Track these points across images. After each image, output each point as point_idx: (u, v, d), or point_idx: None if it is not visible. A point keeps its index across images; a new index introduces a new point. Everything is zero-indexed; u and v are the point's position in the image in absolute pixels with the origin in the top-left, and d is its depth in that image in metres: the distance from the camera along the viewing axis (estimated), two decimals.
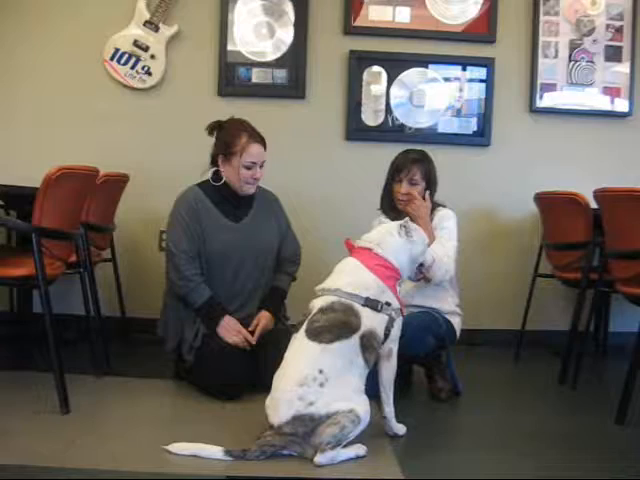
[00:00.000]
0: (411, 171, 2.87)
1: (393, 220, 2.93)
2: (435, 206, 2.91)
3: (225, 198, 2.88)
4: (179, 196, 2.89)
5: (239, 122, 2.88)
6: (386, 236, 2.31)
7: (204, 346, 2.76)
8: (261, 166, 2.84)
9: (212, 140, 2.90)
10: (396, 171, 2.91)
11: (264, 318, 2.84)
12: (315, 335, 2.12)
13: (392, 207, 2.95)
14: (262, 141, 2.84)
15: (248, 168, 2.80)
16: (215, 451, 2.05)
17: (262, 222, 2.94)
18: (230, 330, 2.76)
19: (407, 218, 2.41)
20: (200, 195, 2.86)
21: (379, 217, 3.01)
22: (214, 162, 2.88)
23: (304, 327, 2.16)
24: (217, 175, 2.87)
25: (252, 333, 2.79)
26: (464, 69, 4.03)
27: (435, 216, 2.88)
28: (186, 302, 2.80)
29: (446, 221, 2.85)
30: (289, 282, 3.03)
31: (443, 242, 2.75)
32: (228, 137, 2.82)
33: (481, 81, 4.02)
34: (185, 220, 2.81)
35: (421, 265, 2.46)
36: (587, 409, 2.82)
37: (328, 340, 2.11)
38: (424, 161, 2.91)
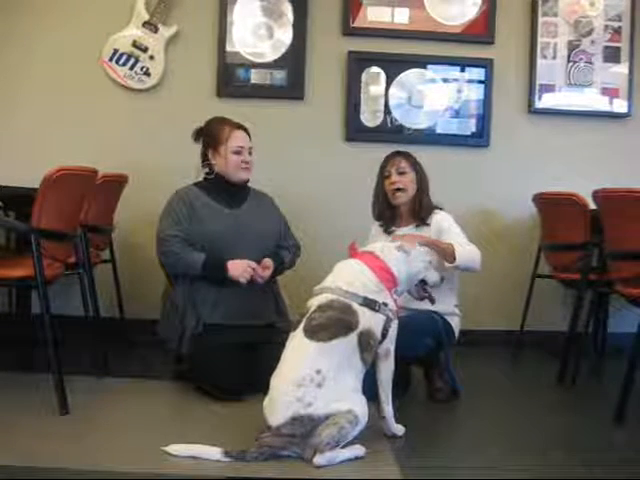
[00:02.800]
0: (396, 161, 2.94)
1: (389, 221, 2.98)
2: (431, 209, 2.91)
3: (220, 191, 2.94)
4: (172, 194, 2.95)
5: (219, 117, 3.02)
6: (389, 248, 2.36)
7: (203, 347, 2.76)
8: (250, 153, 2.95)
9: None
10: (383, 167, 2.97)
11: (269, 262, 2.88)
12: (313, 333, 2.13)
13: (387, 206, 2.98)
14: (245, 129, 2.98)
15: (237, 153, 2.90)
16: (214, 452, 2.05)
17: (257, 213, 2.99)
18: (239, 268, 2.77)
19: (399, 242, 2.41)
20: (195, 190, 2.94)
21: (374, 225, 3.06)
22: (202, 161, 2.98)
23: (302, 325, 2.17)
24: (210, 169, 2.95)
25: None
26: (463, 70, 4.03)
27: (432, 221, 2.87)
28: (188, 272, 2.81)
29: (445, 222, 2.85)
30: (289, 258, 3.05)
31: (453, 238, 2.76)
32: (213, 131, 2.94)
33: (480, 82, 4.02)
34: (173, 208, 2.88)
35: (424, 282, 2.46)
36: (586, 410, 2.82)
37: (326, 338, 2.12)
38: (407, 154, 2.97)
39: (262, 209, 3.02)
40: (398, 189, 2.91)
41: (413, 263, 2.37)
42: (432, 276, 2.47)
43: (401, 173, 2.91)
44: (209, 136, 2.95)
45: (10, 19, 3.86)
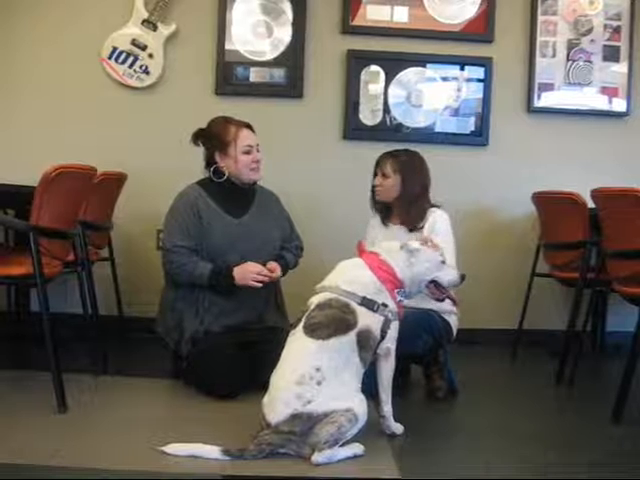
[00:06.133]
0: (383, 163, 2.93)
1: (384, 215, 3.00)
2: (429, 207, 2.92)
3: (226, 194, 2.89)
4: (178, 194, 2.90)
5: (221, 117, 2.94)
6: (393, 248, 2.33)
7: (200, 345, 2.76)
8: (257, 150, 2.89)
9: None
10: (375, 166, 2.98)
11: (276, 265, 2.86)
12: (312, 331, 2.14)
13: (374, 201, 3.01)
14: (250, 126, 2.92)
15: (247, 153, 2.84)
16: (213, 451, 2.04)
17: (263, 218, 2.95)
18: (246, 274, 2.75)
19: (408, 242, 2.35)
20: (200, 192, 2.88)
21: (371, 220, 3.06)
22: (208, 164, 2.91)
23: (302, 324, 2.18)
24: (217, 172, 2.88)
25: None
26: (462, 69, 4.03)
27: (428, 218, 2.87)
28: (194, 283, 2.78)
29: (439, 224, 2.85)
30: (292, 259, 3.03)
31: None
32: (217, 131, 2.86)
33: (479, 81, 4.02)
34: (182, 216, 2.82)
35: (436, 282, 2.37)
36: (584, 408, 2.82)
37: (325, 336, 2.12)
38: (399, 156, 2.94)
39: (268, 212, 2.99)
40: (378, 190, 2.94)
41: (418, 264, 2.31)
42: (446, 276, 2.36)
43: (384, 176, 2.92)
44: (214, 138, 2.86)
45: (10, 18, 3.86)
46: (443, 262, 2.36)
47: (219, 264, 2.77)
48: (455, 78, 4.04)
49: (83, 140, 3.84)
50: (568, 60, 4.03)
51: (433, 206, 2.93)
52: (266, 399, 2.12)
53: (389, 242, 2.44)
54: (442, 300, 2.44)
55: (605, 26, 4.03)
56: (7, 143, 3.87)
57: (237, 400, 2.63)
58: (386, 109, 4.00)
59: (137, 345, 3.57)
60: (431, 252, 2.35)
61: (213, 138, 2.87)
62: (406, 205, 2.89)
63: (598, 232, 3.01)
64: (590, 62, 4.03)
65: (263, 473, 1.98)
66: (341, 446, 2.08)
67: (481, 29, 3.99)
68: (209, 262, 2.77)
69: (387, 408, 2.31)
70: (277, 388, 2.10)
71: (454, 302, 2.52)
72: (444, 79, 4.04)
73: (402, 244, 2.33)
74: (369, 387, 2.25)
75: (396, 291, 2.28)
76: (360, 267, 2.28)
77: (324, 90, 3.98)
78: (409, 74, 4.01)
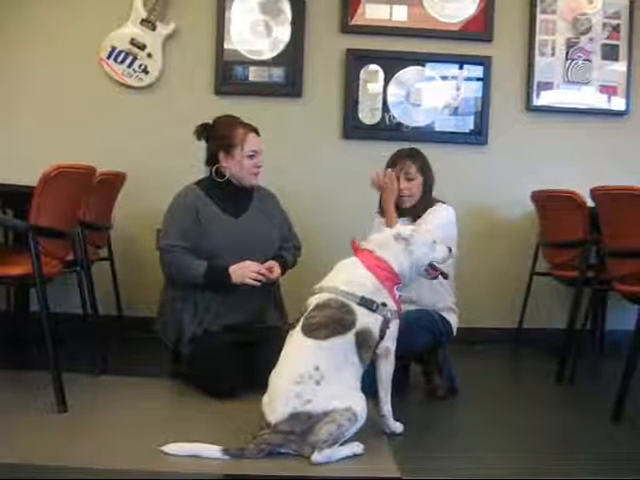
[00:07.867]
0: (406, 165, 2.89)
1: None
2: (434, 202, 2.91)
3: (225, 194, 2.89)
4: (176, 194, 2.91)
5: (230, 117, 2.95)
6: (387, 240, 2.32)
7: (200, 345, 2.76)
8: (260, 154, 2.89)
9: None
10: (390, 167, 2.92)
11: (275, 265, 2.86)
12: (311, 331, 2.14)
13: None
14: (257, 130, 2.92)
15: (251, 157, 2.86)
16: (213, 450, 2.05)
17: (262, 218, 2.96)
18: (243, 272, 2.74)
19: (400, 228, 2.38)
20: (198, 193, 2.88)
21: (375, 219, 3.02)
22: (210, 161, 2.91)
23: (300, 324, 2.18)
24: (218, 172, 2.89)
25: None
26: (461, 67, 4.03)
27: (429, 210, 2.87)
28: (190, 282, 2.78)
29: (435, 212, 2.85)
30: (290, 259, 3.02)
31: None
32: (225, 132, 2.87)
33: (478, 79, 4.02)
34: (179, 216, 2.83)
35: (431, 264, 2.41)
36: (584, 407, 2.82)
37: (323, 336, 2.12)
38: (417, 156, 2.93)
39: (266, 211, 2.99)
40: (405, 194, 2.88)
41: (417, 249, 2.31)
42: (440, 254, 2.39)
43: (409, 179, 2.88)
44: (221, 138, 2.86)
45: (9, 18, 3.85)
46: (434, 242, 2.39)
47: (216, 262, 2.77)
48: (454, 77, 4.03)
49: (83, 140, 3.83)
50: (567, 59, 4.03)
51: (439, 201, 2.93)
52: (266, 399, 2.12)
53: (379, 234, 2.41)
54: (436, 277, 2.47)
55: (604, 25, 4.03)
56: (7, 143, 3.87)
57: (237, 400, 2.63)
58: (385, 108, 4.00)
59: (137, 345, 3.57)
60: (424, 233, 2.40)
61: (220, 138, 2.87)
62: (422, 200, 2.89)
63: (597, 231, 3.01)
64: (589, 61, 4.03)
65: (263, 472, 1.98)
66: (341, 445, 2.08)
67: (480, 28, 3.99)
68: (204, 261, 2.77)
69: (387, 407, 2.32)
70: (276, 388, 2.10)
71: (445, 276, 2.53)
72: (443, 78, 4.03)
73: (394, 234, 2.32)
74: (368, 386, 2.25)
75: (395, 287, 2.28)
76: (357, 267, 2.28)
77: (323, 89, 3.98)
78: (408, 73, 4.00)
